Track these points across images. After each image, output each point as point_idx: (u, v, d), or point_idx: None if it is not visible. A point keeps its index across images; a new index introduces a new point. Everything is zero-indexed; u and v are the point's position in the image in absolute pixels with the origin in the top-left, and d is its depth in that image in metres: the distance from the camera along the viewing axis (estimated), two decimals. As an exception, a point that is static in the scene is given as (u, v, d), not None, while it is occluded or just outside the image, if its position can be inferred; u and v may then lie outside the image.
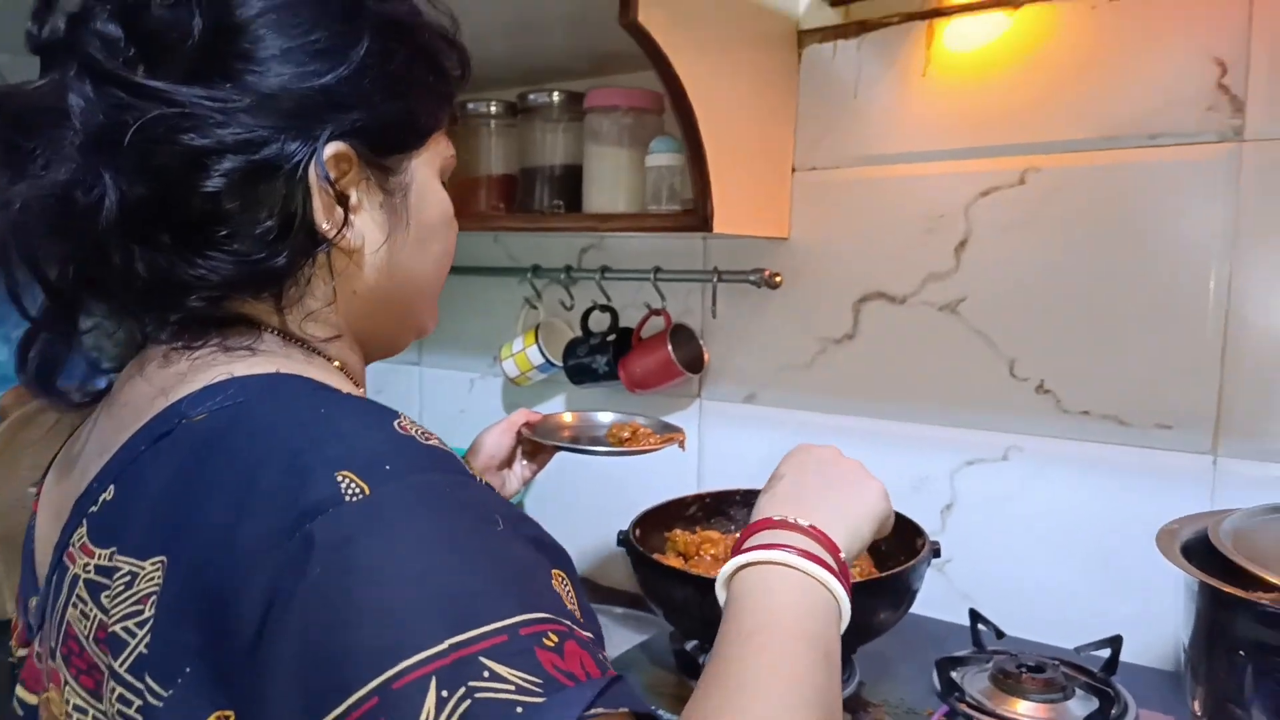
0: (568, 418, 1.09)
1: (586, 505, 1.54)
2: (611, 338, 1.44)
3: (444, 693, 0.39)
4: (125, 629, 0.48)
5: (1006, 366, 1.16)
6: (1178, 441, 1.05)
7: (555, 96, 1.37)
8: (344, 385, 0.58)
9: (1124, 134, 1.06)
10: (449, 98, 0.64)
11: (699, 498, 1.21)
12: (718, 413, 1.42)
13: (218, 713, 0.44)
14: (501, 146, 1.47)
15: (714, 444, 1.43)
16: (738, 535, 0.68)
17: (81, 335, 0.59)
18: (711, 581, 0.72)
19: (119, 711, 0.47)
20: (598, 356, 1.43)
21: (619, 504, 1.20)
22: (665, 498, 1.21)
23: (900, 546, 1.07)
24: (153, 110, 0.50)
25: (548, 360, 1.50)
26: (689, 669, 1.05)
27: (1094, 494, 1.11)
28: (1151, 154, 1.05)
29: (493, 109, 1.45)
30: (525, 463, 1.02)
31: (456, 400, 1.76)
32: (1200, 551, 0.81)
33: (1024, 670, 0.96)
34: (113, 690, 0.48)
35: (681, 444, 1.03)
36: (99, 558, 0.51)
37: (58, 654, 0.54)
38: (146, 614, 0.47)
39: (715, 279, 1.33)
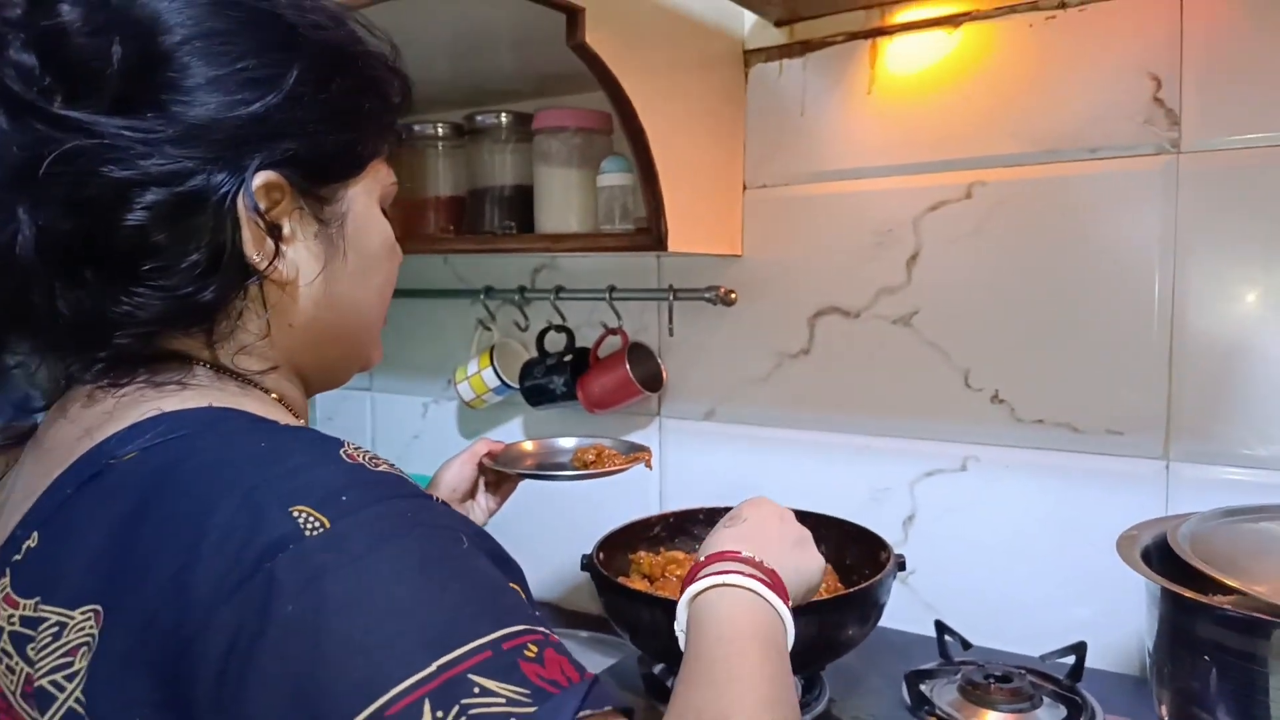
0: (529, 445, 1.07)
1: (549, 529, 1.52)
2: (568, 358, 1.42)
3: (439, 713, 0.40)
4: (53, 682, 0.46)
5: (961, 377, 1.17)
6: (1130, 447, 1.08)
7: (503, 118, 1.36)
8: (282, 418, 0.56)
9: (1065, 147, 1.08)
10: (389, 125, 0.62)
11: (663, 518, 1.20)
12: (678, 430, 1.41)
13: None
14: (450, 168, 1.45)
15: (675, 461, 1.42)
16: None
17: (8, 374, 0.57)
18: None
19: None
20: (555, 377, 1.42)
21: (582, 526, 1.18)
22: (629, 517, 1.20)
23: (865, 560, 1.08)
24: (70, 141, 0.48)
25: (503, 383, 1.48)
26: (657, 693, 1.04)
27: (1051, 501, 1.13)
28: (1092, 166, 1.07)
29: (440, 130, 1.44)
30: (489, 494, 1.01)
31: (410, 426, 1.73)
32: (1160, 556, 0.82)
33: (992, 681, 0.97)
34: None
35: (648, 462, 1.02)
36: (23, 608, 0.49)
37: None
38: (76, 666, 0.45)
39: (671, 297, 1.32)
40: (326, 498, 0.46)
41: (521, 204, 1.35)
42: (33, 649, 0.47)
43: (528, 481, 1.00)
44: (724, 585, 0.64)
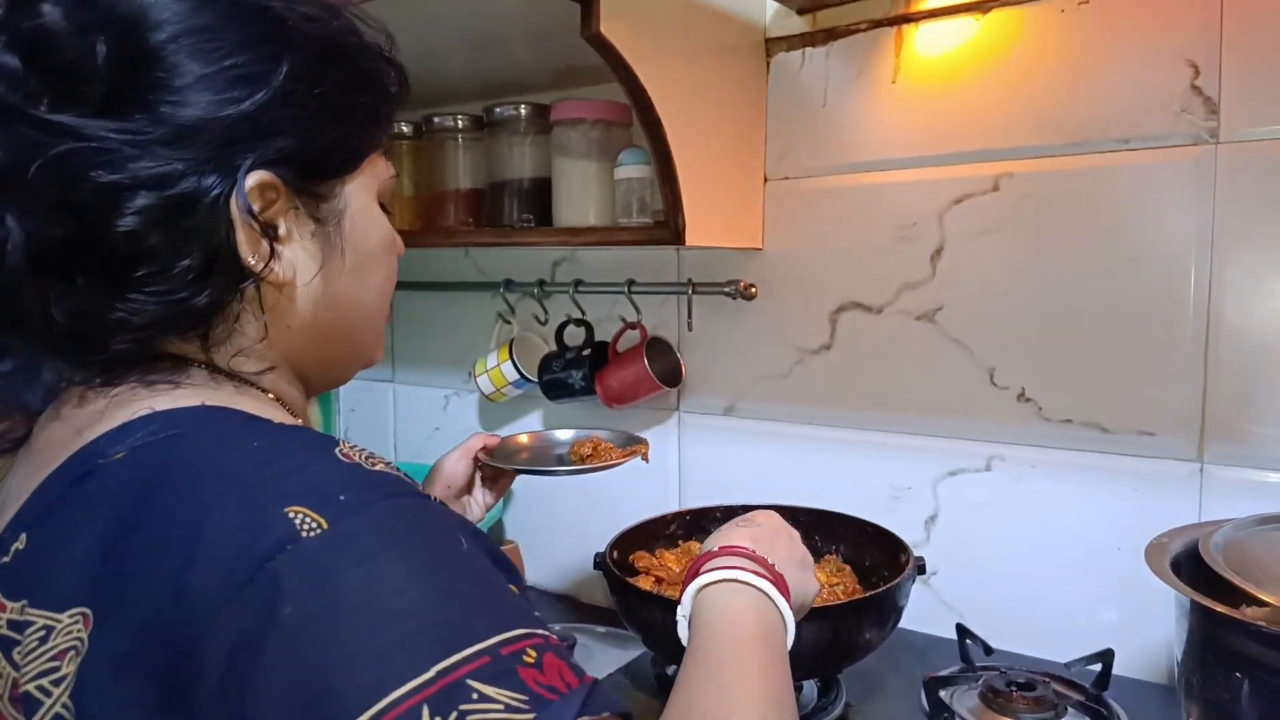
0: (525, 439, 1.06)
1: (566, 522, 1.51)
2: (587, 352, 1.41)
3: (437, 719, 0.40)
4: (39, 687, 0.45)
5: (986, 375, 1.14)
6: (1162, 448, 1.04)
7: (522, 110, 1.34)
8: (279, 417, 0.55)
9: (1097, 138, 1.05)
10: (385, 118, 0.61)
11: (679, 515, 1.19)
12: (697, 425, 1.39)
13: None
14: (469, 161, 1.44)
15: (694, 457, 1.40)
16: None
17: (8, 377, 0.57)
18: None
19: None
20: (573, 371, 1.40)
21: (599, 520, 1.17)
22: (647, 512, 1.18)
23: (885, 561, 1.06)
24: (58, 146, 0.47)
25: (523, 376, 1.47)
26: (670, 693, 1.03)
27: (1079, 503, 1.10)
28: (1125, 158, 1.03)
29: (459, 123, 1.42)
30: (485, 489, 1.00)
31: (431, 418, 1.73)
32: (1191, 565, 0.79)
33: (1014, 688, 0.95)
34: None
35: (645, 456, 1.00)
36: (10, 611, 0.49)
37: None
38: (63, 670, 0.45)
39: (690, 291, 1.30)
40: (323, 498, 0.46)
41: (540, 197, 1.34)
42: (19, 653, 0.47)
43: (536, 476, 0.99)
44: (735, 581, 0.64)
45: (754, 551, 0.67)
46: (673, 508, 1.34)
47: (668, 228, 1.13)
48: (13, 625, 0.48)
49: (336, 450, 0.49)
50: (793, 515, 1.14)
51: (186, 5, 0.50)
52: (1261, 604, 0.69)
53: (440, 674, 0.41)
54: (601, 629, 1.33)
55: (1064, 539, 1.11)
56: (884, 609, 0.92)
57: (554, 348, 1.47)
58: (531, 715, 0.41)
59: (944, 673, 1.01)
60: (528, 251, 1.53)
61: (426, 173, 1.49)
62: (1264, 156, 0.96)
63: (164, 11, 0.50)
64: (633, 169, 1.21)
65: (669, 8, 1.09)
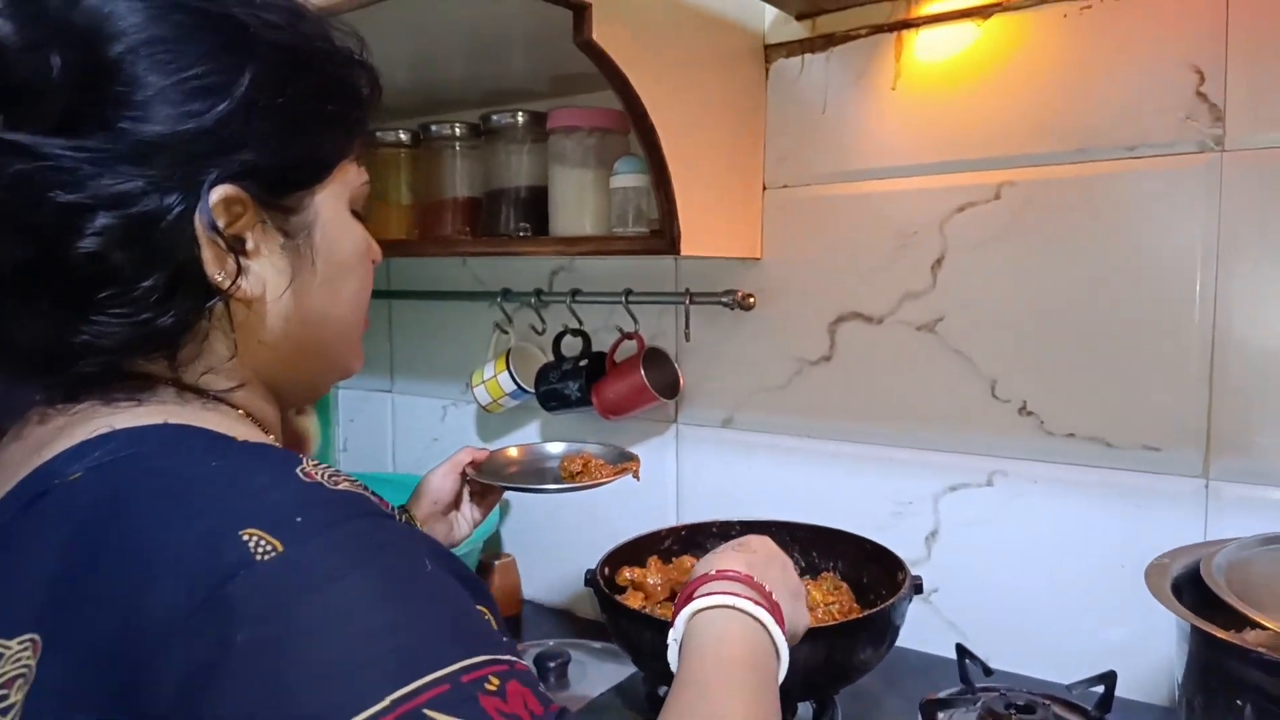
0: (514, 452, 1.05)
1: (565, 537, 1.50)
2: (584, 363, 1.39)
3: None
4: None
5: (988, 387, 1.12)
6: (1167, 464, 1.01)
7: (519, 117, 1.33)
8: (247, 433, 0.54)
9: (1100, 145, 1.02)
10: (356, 123, 0.59)
11: (674, 531, 1.16)
12: (695, 438, 1.37)
13: None
14: (466, 169, 1.43)
15: (692, 469, 1.38)
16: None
17: None
18: None
19: None
20: (570, 382, 1.39)
21: (597, 535, 1.15)
22: (646, 526, 1.16)
23: (882, 580, 1.03)
24: (14, 166, 0.46)
25: (520, 387, 1.45)
26: (665, 713, 1.01)
27: (1083, 519, 1.07)
28: (1129, 165, 1.01)
29: (457, 131, 1.41)
30: (473, 505, 0.98)
31: (429, 428, 1.72)
32: (1193, 586, 0.77)
33: (1013, 711, 0.92)
34: None
35: (635, 473, 0.98)
36: None
37: None
38: (12, 699, 0.43)
39: (687, 301, 1.28)
40: (280, 520, 0.44)
41: (537, 206, 1.32)
42: None
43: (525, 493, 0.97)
44: (730, 607, 0.62)
45: (751, 578, 0.65)
46: (670, 521, 1.33)
47: (663, 237, 1.11)
48: None
49: (298, 469, 0.48)
50: (790, 531, 1.14)
51: (145, 15, 0.49)
52: (1265, 629, 0.66)
53: (396, 703, 0.39)
54: (597, 645, 1.30)
55: (1066, 556, 1.08)
56: (879, 629, 0.89)
57: (551, 358, 1.45)
58: None
59: (942, 695, 0.98)
60: (525, 261, 1.52)
61: (424, 181, 1.48)
62: (1271, 164, 0.94)
63: (121, 23, 0.48)
64: (629, 178, 1.19)
65: (664, 13, 1.08)
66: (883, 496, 1.20)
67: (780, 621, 0.64)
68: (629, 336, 1.37)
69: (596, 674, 1.22)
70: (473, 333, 1.59)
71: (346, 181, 0.59)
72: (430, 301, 1.66)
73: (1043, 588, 1.10)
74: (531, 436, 1.57)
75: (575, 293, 1.40)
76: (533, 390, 1.43)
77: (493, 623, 0.50)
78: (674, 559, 1.13)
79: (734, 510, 1.19)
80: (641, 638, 0.91)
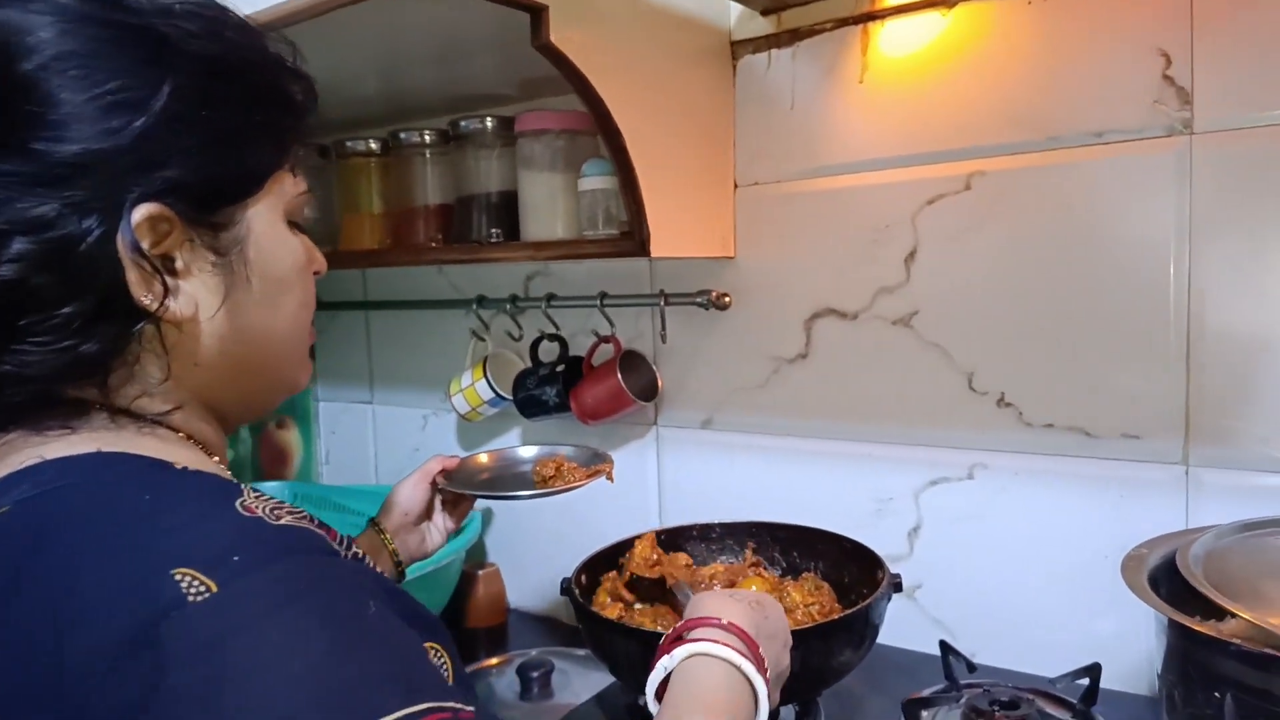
0: (485, 458, 1.03)
1: (548, 543, 1.48)
2: (560, 368, 1.38)
3: None
4: None
5: (965, 380, 1.10)
6: (1147, 452, 1.00)
7: (488, 123, 1.32)
8: (190, 458, 0.52)
9: (1068, 133, 1.01)
10: (288, 132, 0.57)
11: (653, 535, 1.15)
12: (676, 440, 1.36)
13: None
14: (437, 176, 1.42)
15: (674, 471, 1.37)
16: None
17: None
18: (654, 636, 0.73)
19: None
20: (547, 388, 1.37)
21: (581, 540, 1.13)
22: (629, 530, 1.14)
23: (863, 579, 1.02)
24: None
25: (498, 394, 1.44)
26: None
27: (1064, 510, 1.06)
28: (1099, 152, 1.00)
29: (426, 138, 1.40)
30: (445, 514, 0.97)
31: (411, 438, 1.70)
32: (1171, 577, 0.75)
33: (996, 708, 0.91)
34: None
35: (609, 475, 0.97)
36: None
37: None
38: None
39: (662, 303, 1.27)
40: (215, 558, 0.42)
41: (508, 211, 1.31)
42: None
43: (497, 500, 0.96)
44: (722, 659, 0.60)
45: (746, 631, 0.63)
46: (653, 524, 1.31)
47: (633, 239, 1.10)
48: None
49: (238, 502, 0.46)
50: (770, 532, 1.13)
51: (56, 30, 0.47)
52: (1241, 619, 0.65)
53: None
54: (580, 652, 1.29)
55: (1049, 548, 1.07)
56: (857, 630, 0.88)
57: (529, 364, 1.44)
58: None
59: (925, 693, 0.97)
60: (501, 266, 1.50)
61: (395, 189, 1.46)
62: (1240, 146, 0.93)
63: (31, 38, 0.46)
64: (597, 179, 1.18)
65: (626, 13, 1.06)
66: (864, 493, 1.19)
67: (765, 679, 0.63)
68: (605, 340, 1.36)
69: (581, 682, 1.21)
70: (451, 341, 1.58)
71: (281, 193, 0.58)
72: (408, 311, 1.64)
73: (1026, 580, 1.08)
74: (512, 443, 1.54)
75: (551, 297, 1.39)
76: (511, 397, 1.42)
77: (447, 662, 0.48)
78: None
79: (716, 512, 1.18)
80: (616, 647, 0.89)
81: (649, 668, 0.63)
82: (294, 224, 0.60)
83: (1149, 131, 0.97)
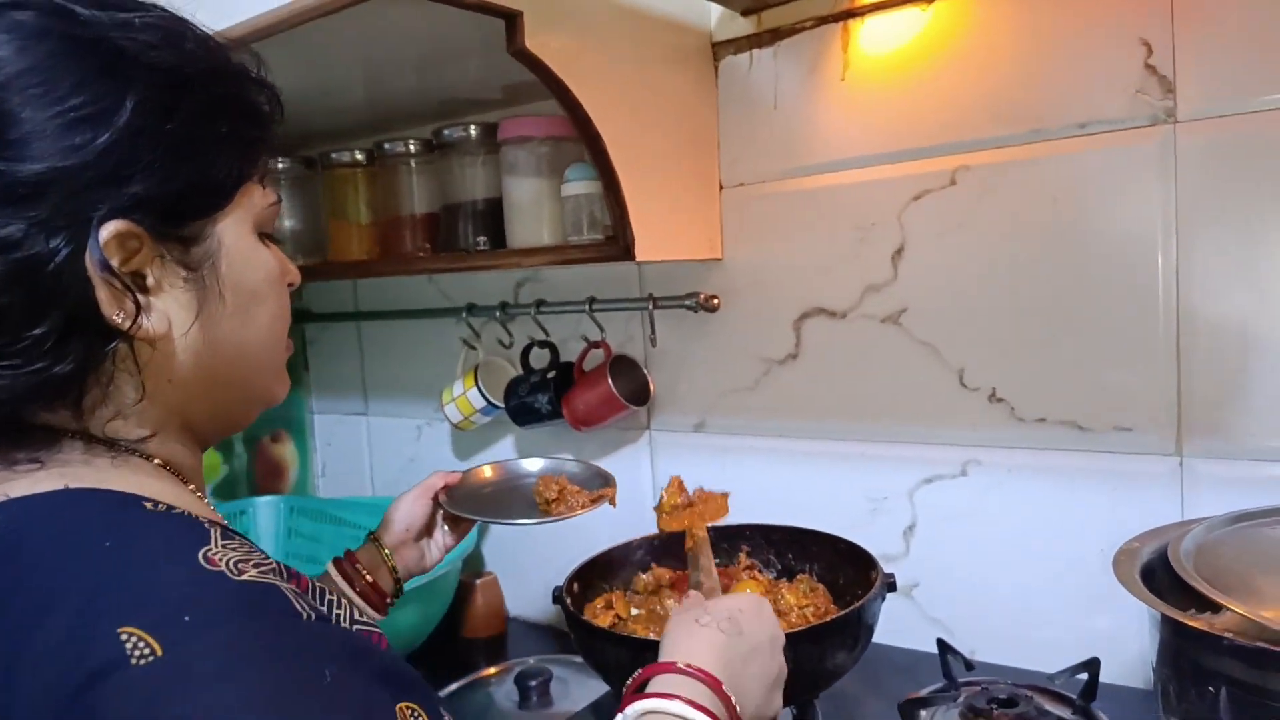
0: (489, 472, 1.01)
1: (545, 550, 1.47)
2: (551, 375, 1.37)
3: None
4: None
5: (956, 377, 1.10)
6: (1140, 444, 0.99)
7: (472, 130, 1.31)
8: (164, 491, 0.51)
9: (1052, 125, 1.00)
10: (256, 143, 0.57)
11: (646, 540, 1.15)
12: (669, 444, 1.35)
13: None
14: (423, 185, 1.41)
15: (668, 476, 1.35)
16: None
17: None
18: (645, 644, 0.73)
19: None
20: (539, 395, 1.37)
21: (577, 546, 1.12)
22: (623, 534, 1.14)
23: (858, 579, 1.01)
24: None
25: (490, 402, 1.43)
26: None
27: (1059, 505, 1.05)
28: (1082, 143, 0.99)
29: (411, 147, 1.40)
30: (447, 529, 0.95)
31: (405, 449, 1.70)
32: (1165, 570, 0.75)
33: (995, 706, 0.90)
34: None
35: (612, 500, 0.95)
36: None
37: None
38: None
39: (650, 306, 1.27)
40: (164, 617, 0.41)
41: (495, 218, 1.30)
42: None
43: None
44: (677, 717, 0.58)
45: (720, 684, 0.61)
46: (649, 530, 1.30)
47: (617, 243, 1.09)
48: None
49: (200, 554, 0.45)
50: (765, 534, 1.12)
51: (13, 47, 0.47)
52: (1234, 613, 0.64)
53: None
54: (578, 660, 1.28)
55: (1045, 543, 1.06)
56: (851, 631, 0.87)
57: (521, 371, 1.43)
58: None
59: (923, 693, 0.96)
60: (490, 274, 1.50)
61: (382, 200, 1.46)
62: (1223, 133, 0.92)
63: None
64: (580, 184, 1.17)
65: (604, 17, 1.06)
66: (858, 493, 1.18)
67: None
68: (596, 345, 1.36)
69: (579, 690, 1.20)
70: (443, 350, 1.57)
71: (251, 205, 0.57)
72: (399, 321, 1.64)
73: (1023, 576, 1.08)
74: (507, 452, 1.55)
75: (540, 304, 1.38)
76: (503, 405, 1.41)
77: (418, 718, 0.46)
78: (653, 567, 1.12)
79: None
80: (607, 656, 0.89)
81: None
82: (266, 236, 0.59)
83: (1132, 121, 0.96)
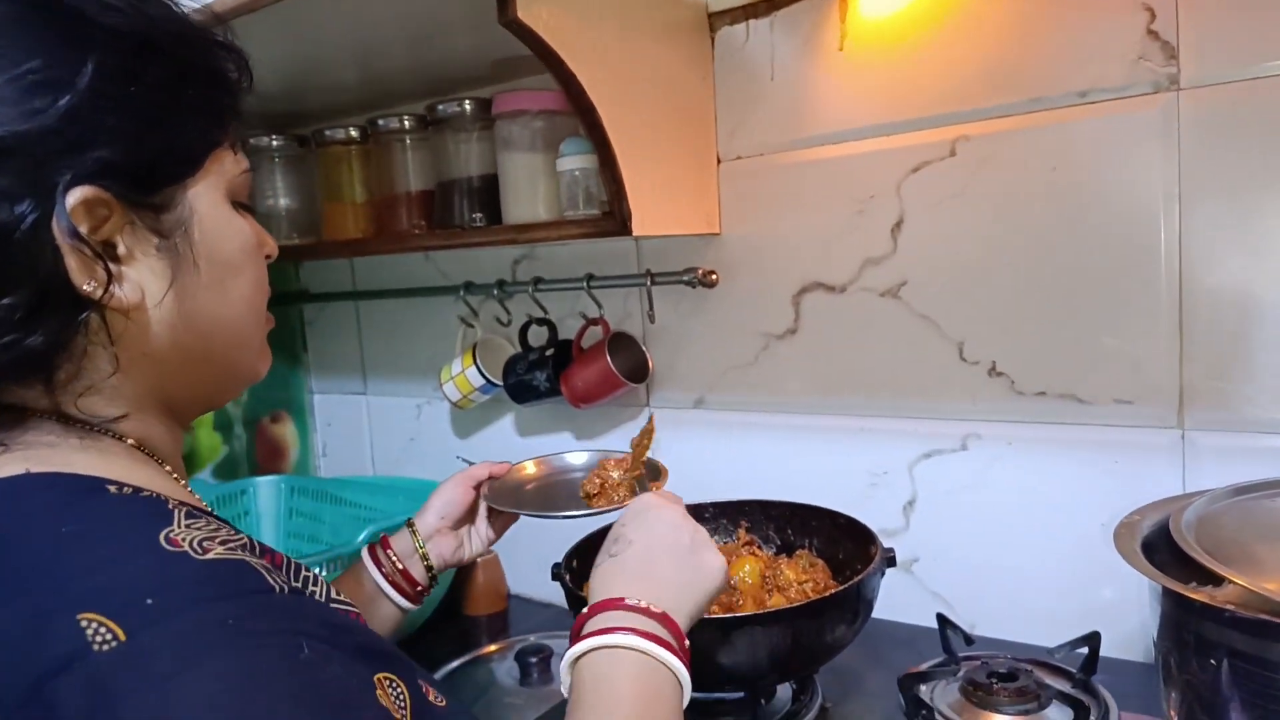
0: (532, 468, 0.99)
1: (545, 528, 1.46)
2: (550, 352, 1.36)
3: None
4: None
5: (955, 350, 1.09)
6: (1141, 417, 0.99)
7: (466, 106, 1.29)
8: (132, 473, 0.50)
9: (1053, 93, 0.99)
10: (225, 109, 0.55)
11: (645, 517, 1.14)
12: (669, 420, 1.35)
13: None
14: (418, 162, 1.40)
15: (667, 453, 1.35)
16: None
17: None
18: None
19: None
20: (537, 373, 1.36)
21: (578, 522, 1.11)
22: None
23: (858, 554, 1.01)
24: None
25: (488, 380, 1.43)
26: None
27: (1059, 478, 1.04)
28: (1083, 112, 0.98)
29: (405, 123, 1.38)
30: (488, 523, 0.93)
31: (406, 428, 1.69)
32: (1166, 543, 0.74)
33: (994, 680, 0.90)
34: None
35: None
36: None
37: None
38: None
39: (648, 282, 1.26)
40: (127, 602, 0.40)
41: (490, 194, 1.29)
42: None
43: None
44: (608, 647, 0.58)
45: (623, 600, 0.61)
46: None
47: (614, 218, 1.08)
48: None
49: (163, 536, 0.44)
50: (764, 510, 1.12)
51: None
52: (1236, 584, 0.64)
53: None
54: (580, 636, 1.28)
55: (1045, 517, 1.05)
56: (849, 606, 0.87)
57: (519, 349, 1.43)
58: None
59: (922, 668, 0.96)
60: (487, 251, 1.49)
61: (376, 177, 1.44)
62: (1227, 101, 0.91)
63: None
64: (575, 159, 1.16)
65: (597, -13, 1.04)
66: (858, 468, 1.18)
67: (670, 627, 0.61)
68: (594, 322, 1.35)
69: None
70: (441, 328, 1.56)
71: (223, 172, 0.56)
72: (397, 300, 1.63)
73: (1023, 550, 1.07)
74: (507, 430, 1.54)
75: (538, 281, 1.37)
76: (501, 383, 1.41)
77: (404, 691, 0.45)
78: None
79: (710, 491, 1.16)
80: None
81: None
82: (242, 206, 0.58)
83: (1134, 89, 0.95)
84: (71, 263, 0.47)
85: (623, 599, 0.61)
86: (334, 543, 1.45)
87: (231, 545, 0.45)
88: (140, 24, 0.50)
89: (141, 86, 0.49)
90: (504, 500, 0.92)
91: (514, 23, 0.93)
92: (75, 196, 0.47)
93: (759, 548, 1.10)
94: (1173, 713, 0.72)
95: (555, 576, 0.98)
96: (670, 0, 1.15)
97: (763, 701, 0.96)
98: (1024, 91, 1.00)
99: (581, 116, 1.04)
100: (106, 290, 0.49)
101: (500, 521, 0.95)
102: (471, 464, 0.95)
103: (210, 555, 0.43)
